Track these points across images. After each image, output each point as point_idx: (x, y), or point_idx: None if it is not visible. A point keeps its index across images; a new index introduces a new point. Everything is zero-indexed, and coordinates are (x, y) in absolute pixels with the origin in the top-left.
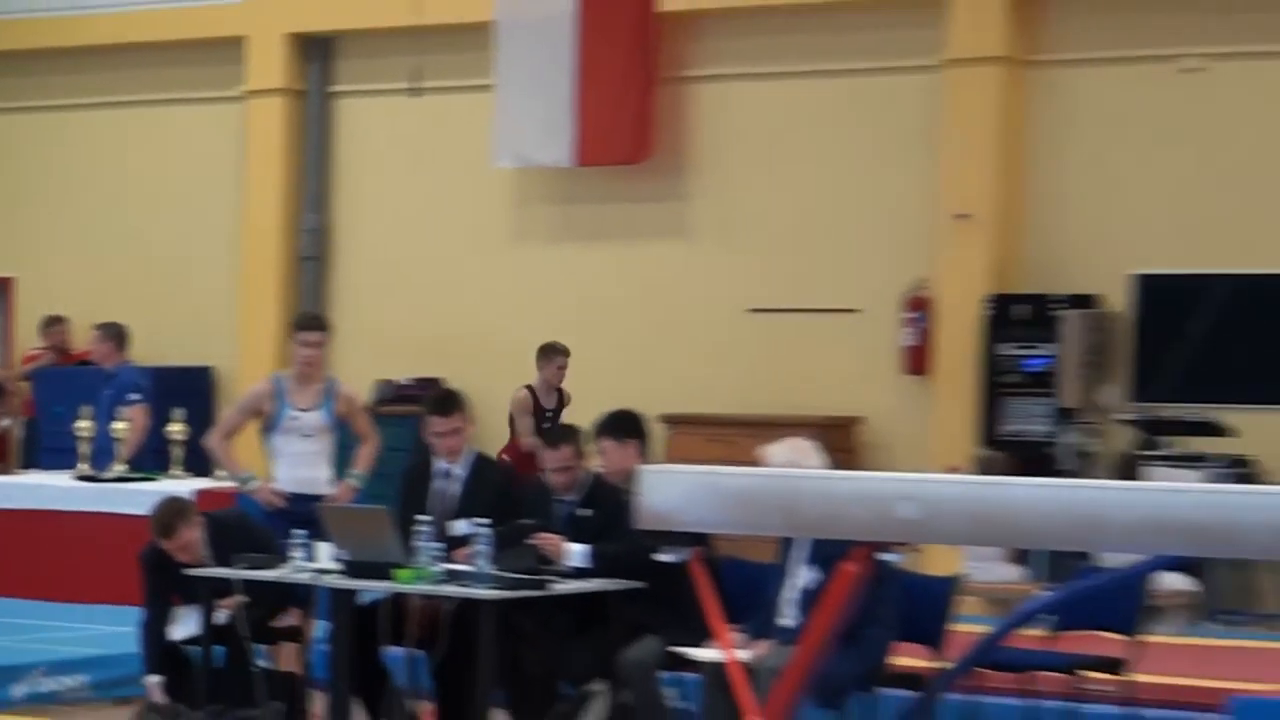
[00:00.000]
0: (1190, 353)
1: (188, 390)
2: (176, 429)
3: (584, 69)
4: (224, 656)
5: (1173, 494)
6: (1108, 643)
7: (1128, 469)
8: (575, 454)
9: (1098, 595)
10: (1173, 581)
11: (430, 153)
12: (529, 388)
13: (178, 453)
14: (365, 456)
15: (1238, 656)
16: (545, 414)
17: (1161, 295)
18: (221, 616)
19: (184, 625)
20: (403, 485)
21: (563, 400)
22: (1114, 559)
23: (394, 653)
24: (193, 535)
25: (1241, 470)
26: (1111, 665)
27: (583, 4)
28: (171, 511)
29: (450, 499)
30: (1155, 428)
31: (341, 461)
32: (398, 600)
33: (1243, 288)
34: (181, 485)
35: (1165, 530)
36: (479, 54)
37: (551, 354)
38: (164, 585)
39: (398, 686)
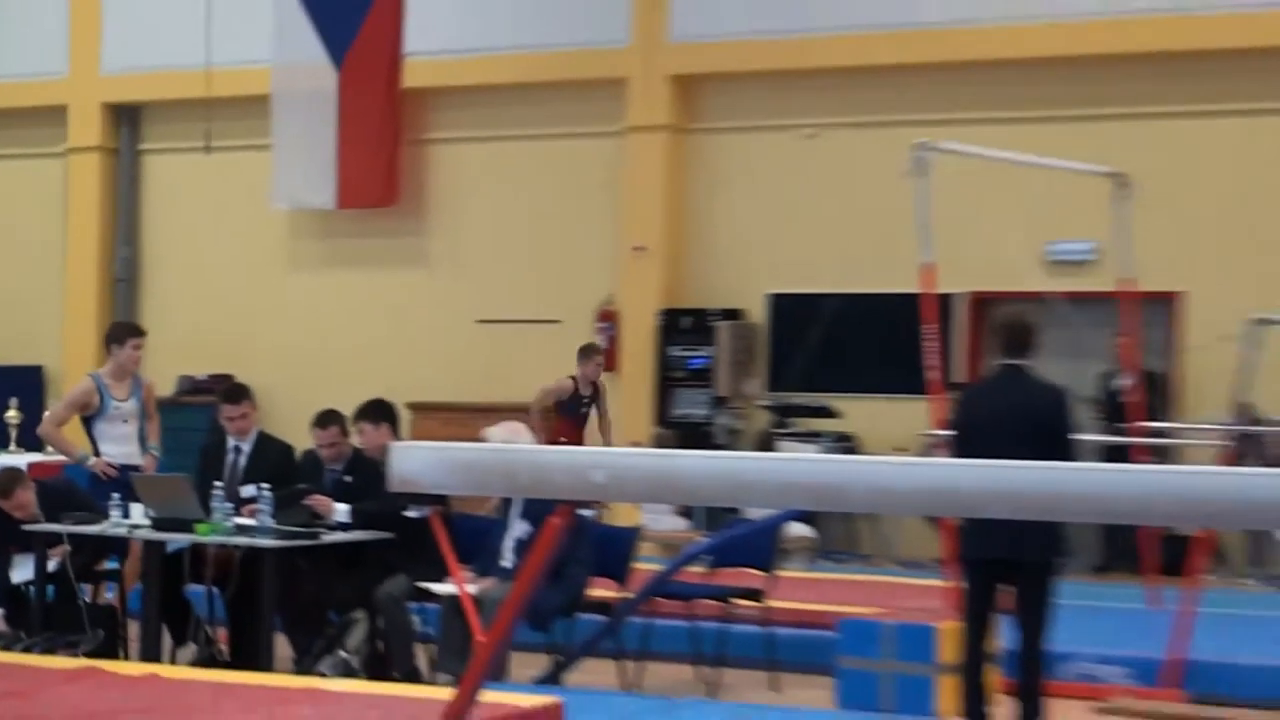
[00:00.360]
0: (810, 353)
1: (22, 385)
2: (12, 415)
3: (343, 132)
4: (55, 594)
5: (798, 462)
6: (750, 577)
7: (765, 443)
8: (340, 433)
9: (743, 541)
10: (797, 529)
11: (220, 197)
12: (573, 378)
13: (14, 433)
14: (155, 430)
15: (843, 587)
16: (582, 401)
17: (789, 309)
18: (52, 563)
19: (21, 570)
20: (201, 458)
21: (598, 391)
22: (755, 513)
23: (195, 590)
24: (27, 497)
25: (846, 444)
26: (753, 594)
27: (342, 82)
28: (8, 478)
29: (239, 469)
30: (785, 411)
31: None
32: (197, 549)
33: (848, 304)
34: (17, 459)
35: (792, 491)
36: (260, 120)
37: (590, 353)
38: (4, 538)
39: (198, 616)
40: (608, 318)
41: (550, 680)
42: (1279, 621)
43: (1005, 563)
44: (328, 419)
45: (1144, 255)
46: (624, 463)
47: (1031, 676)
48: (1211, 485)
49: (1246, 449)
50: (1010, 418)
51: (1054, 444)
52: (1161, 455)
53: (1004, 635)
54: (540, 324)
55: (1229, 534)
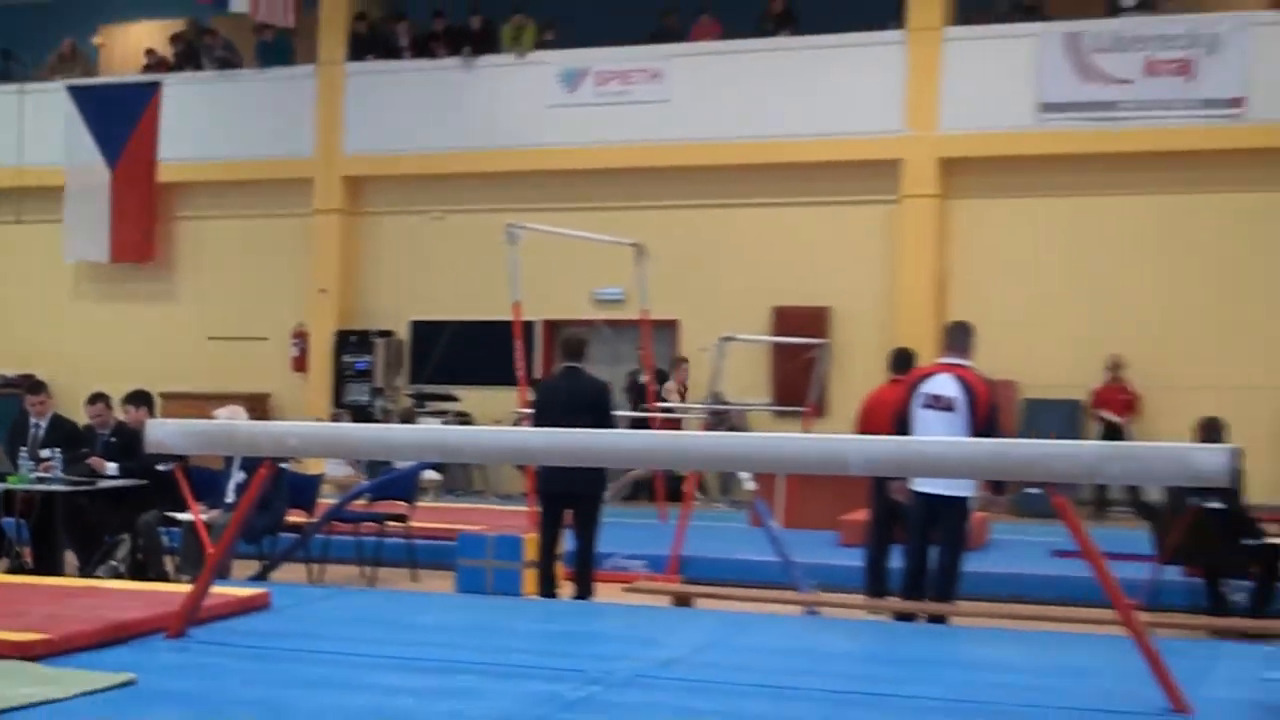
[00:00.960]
0: (438, 358)
1: None
2: None
3: (115, 211)
4: None
5: (429, 431)
6: (398, 506)
7: (408, 418)
8: (105, 408)
9: (392, 482)
10: (429, 474)
11: (28, 253)
12: (672, 385)
13: None
14: None
15: (462, 512)
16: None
17: (424, 330)
18: None
19: None
20: (10, 431)
21: (685, 390)
22: (400, 464)
23: (8, 521)
24: None
25: (464, 418)
26: (400, 518)
27: (114, 178)
28: None
29: (38, 439)
30: (421, 398)
31: None
32: (9, 493)
33: (464, 327)
34: None
35: (425, 449)
36: (56, 202)
37: (680, 364)
38: None
39: (10, 539)
40: (300, 335)
41: (260, 578)
42: (739, 530)
43: (567, 495)
44: (96, 398)
45: (654, 296)
46: (311, 431)
47: (584, 569)
48: (694, 444)
49: (716, 421)
50: (570, 400)
51: (598, 418)
52: (668, 425)
53: (567, 542)
54: (253, 340)
55: (708, 473)
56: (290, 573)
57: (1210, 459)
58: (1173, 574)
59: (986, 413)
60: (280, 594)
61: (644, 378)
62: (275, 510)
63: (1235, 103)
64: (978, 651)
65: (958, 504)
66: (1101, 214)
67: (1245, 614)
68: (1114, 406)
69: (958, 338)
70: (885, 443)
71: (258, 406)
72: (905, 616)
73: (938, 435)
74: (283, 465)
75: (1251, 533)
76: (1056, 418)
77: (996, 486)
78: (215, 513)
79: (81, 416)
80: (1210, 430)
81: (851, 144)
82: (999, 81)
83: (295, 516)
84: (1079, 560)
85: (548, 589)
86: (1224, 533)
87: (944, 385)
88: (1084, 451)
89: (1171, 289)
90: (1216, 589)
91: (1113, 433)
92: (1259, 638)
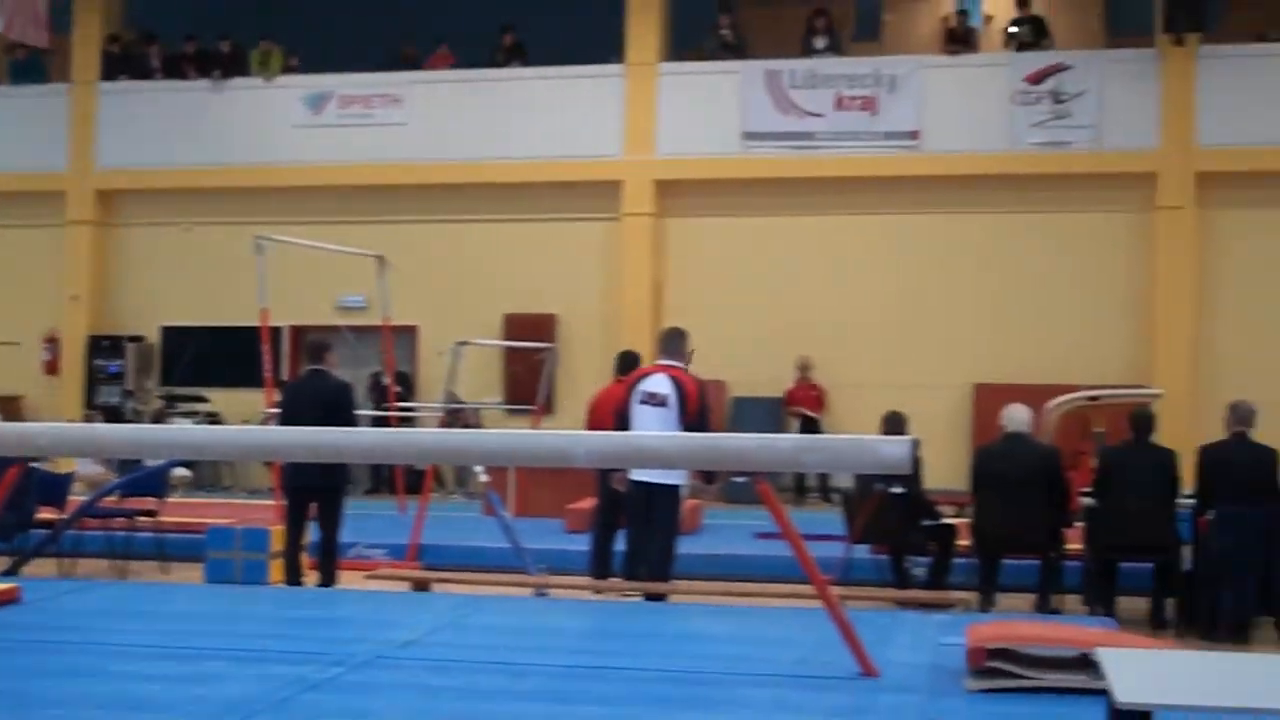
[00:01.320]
0: (188, 362)
1: None
2: None
3: None
4: None
5: (180, 430)
6: (149, 502)
7: (159, 419)
8: None
9: (143, 479)
10: (179, 471)
11: None
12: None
13: None
14: None
15: (211, 507)
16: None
17: (174, 335)
18: None
19: None
20: None
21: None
22: (150, 461)
23: None
24: None
25: (213, 418)
26: (150, 513)
27: None
28: None
29: None
30: (172, 399)
31: None
32: None
33: (214, 332)
34: None
35: (178, 447)
36: None
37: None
38: None
39: None
40: (52, 340)
41: (10, 573)
42: (473, 519)
43: (312, 488)
44: None
45: (395, 303)
46: (60, 431)
47: (328, 558)
48: (432, 440)
49: (452, 419)
50: (315, 401)
51: (341, 417)
52: (407, 423)
53: (311, 534)
54: (4, 345)
55: (445, 466)
56: (41, 568)
57: (893, 449)
58: (862, 552)
59: (696, 408)
60: (31, 588)
61: (385, 379)
62: (26, 508)
63: (912, 135)
64: (692, 626)
65: (672, 492)
66: (797, 232)
67: (925, 587)
68: (806, 403)
69: (672, 341)
70: (607, 437)
71: (10, 408)
72: (651, 596)
73: (652, 429)
74: (33, 464)
75: (930, 514)
76: (760, 414)
77: (707, 476)
78: None
79: None
80: (893, 423)
81: (576, 166)
82: (707, 112)
83: (47, 513)
84: (780, 541)
85: (293, 578)
86: (906, 515)
87: (659, 384)
88: (783, 444)
89: (857, 298)
90: (900, 565)
91: (810, 426)
92: (936, 607)
